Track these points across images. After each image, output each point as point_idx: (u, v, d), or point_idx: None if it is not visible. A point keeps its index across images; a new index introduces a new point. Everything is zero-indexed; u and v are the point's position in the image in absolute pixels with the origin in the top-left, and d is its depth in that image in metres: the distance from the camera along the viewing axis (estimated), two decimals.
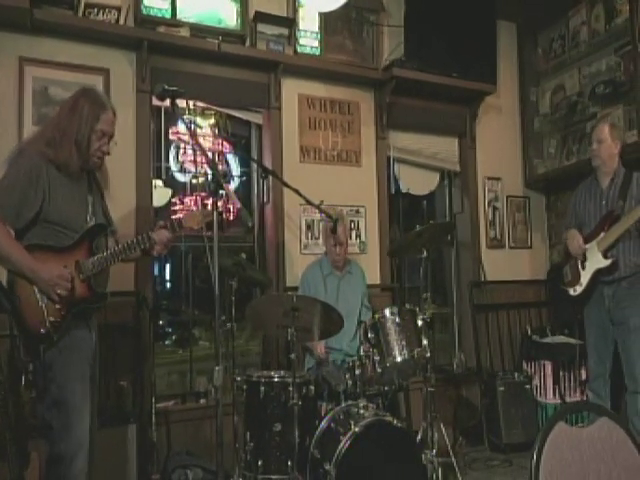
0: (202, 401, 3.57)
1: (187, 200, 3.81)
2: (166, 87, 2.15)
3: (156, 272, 3.84)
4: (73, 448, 2.08)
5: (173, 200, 3.81)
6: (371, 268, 3.99)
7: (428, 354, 2.86)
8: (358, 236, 4.08)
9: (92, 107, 2.22)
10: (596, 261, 3.25)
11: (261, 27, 3.75)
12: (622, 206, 3.21)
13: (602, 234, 3.24)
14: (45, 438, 2.13)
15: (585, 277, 3.31)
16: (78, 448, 2.09)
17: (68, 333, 2.14)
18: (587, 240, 3.31)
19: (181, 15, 3.58)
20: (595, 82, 4.22)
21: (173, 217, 2.55)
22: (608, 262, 3.20)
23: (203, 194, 3.78)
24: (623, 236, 3.18)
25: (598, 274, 3.25)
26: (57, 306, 2.11)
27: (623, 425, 1.44)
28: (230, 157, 4.06)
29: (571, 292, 3.39)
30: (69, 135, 2.18)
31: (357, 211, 4.10)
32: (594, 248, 3.26)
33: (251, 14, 3.78)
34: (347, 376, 2.83)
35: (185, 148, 3.84)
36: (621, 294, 3.22)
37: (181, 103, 3.54)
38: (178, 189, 3.85)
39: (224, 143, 3.99)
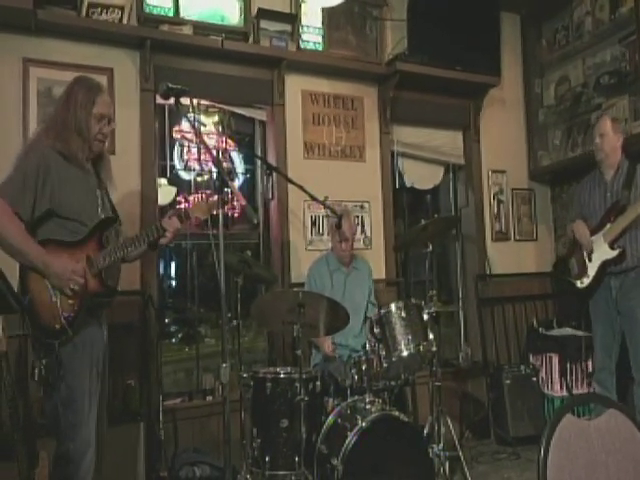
0: (209, 398, 3.58)
1: (192, 198, 3.81)
2: (170, 85, 2.16)
3: (161, 271, 3.85)
4: (82, 448, 2.09)
5: (178, 198, 3.81)
6: (376, 263, 3.99)
7: (434, 348, 2.87)
8: (363, 231, 4.08)
9: (87, 92, 2.23)
10: (603, 252, 3.25)
11: (264, 24, 3.75)
12: (627, 196, 3.21)
13: (608, 225, 3.25)
14: (54, 436, 2.14)
15: (592, 269, 3.30)
16: (86, 448, 2.10)
17: (80, 331, 2.14)
18: (593, 232, 3.31)
19: (184, 13, 3.58)
20: (600, 73, 4.20)
21: (179, 207, 2.53)
22: (615, 253, 3.20)
23: (208, 192, 3.78)
24: (629, 227, 3.18)
25: (605, 265, 3.25)
26: (70, 301, 2.11)
27: (631, 417, 1.43)
28: (234, 154, 4.06)
29: (578, 284, 3.38)
30: (69, 124, 2.19)
31: (362, 206, 4.09)
32: (600, 240, 3.26)
33: (254, 11, 3.78)
34: (353, 371, 2.84)
35: (189, 146, 3.84)
36: (628, 285, 3.22)
37: (185, 101, 3.52)
38: (183, 187, 3.85)
39: (228, 140, 3.99)
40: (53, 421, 2.12)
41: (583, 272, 3.35)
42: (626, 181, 3.25)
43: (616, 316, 3.28)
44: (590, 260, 3.32)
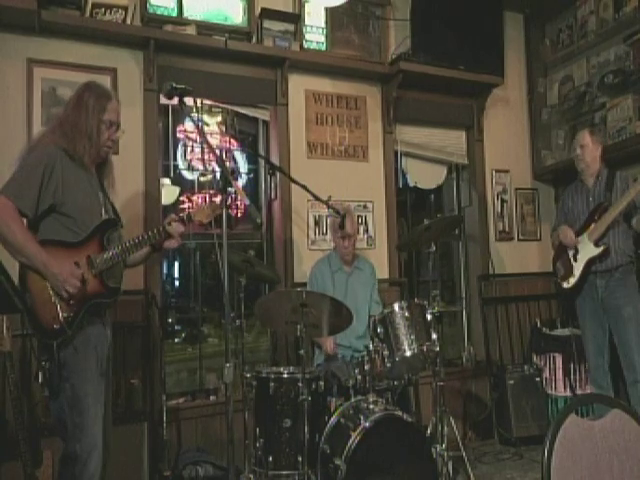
0: (212, 398, 3.58)
1: (195, 198, 3.82)
2: (174, 85, 2.16)
3: (165, 270, 3.86)
4: (88, 448, 2.08)
5: (181, 198, 3.82)
6: (379, 263, 3.99)
7: (437, 348, 2.87)
8: (366, 231, 4.08)
9: (97, 99, 2.24)
10: (588, 251, 3.34)
11: (267, 23, 3.75)
12: (609, 197, 3.33)
13: (592, 225, 3.36)
14: (60, 437, 2.14)
15: (578, 268, 3.40)
16: (93, 448, 2.09)
17: (83, 331, 2.14)
18: (578, 234, 3.42)
19: (187, 13, 3.59)
20: (604, 72, 4.19)
21: (182, 207, 2.52)
22: (600, 249, 3.29)
23: (211, 192, 3.79)
24: (613, 224, 3.28)
25: (590, 264, 3.34)
26: (71, 301, 2.11)
27: (636, 417, 1.43)
28: (238, 154, 4.06)
29: (565, 285, 3.48)
30: (80, 128, 2.19)
31: (365, 206, 4.09)
32: (585, 240, 3.37)
33: (257, 11, 3.78)
34: (356, 371, 2.83)
35: (193, 146, 3.85)
36: (613, 285, 3.30)
37: (188, 101, 3.54)
38: (186, 187, 3.86)
39: (231, 140, 3.99)
40: (59, 422, 2.12)
41: (569, 272, 3.45)
42: (607, 186, 3.37)
43: (603, 315, 3.35)
44: (576, 260, 3.41)
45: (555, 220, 3.80)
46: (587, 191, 3.47)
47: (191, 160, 3.86)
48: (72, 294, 2.10)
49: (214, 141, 3.88)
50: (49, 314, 2.09)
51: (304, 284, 3.54)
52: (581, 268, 3.37)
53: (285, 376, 2.79)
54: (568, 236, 3.43)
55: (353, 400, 2.75)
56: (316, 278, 3.44)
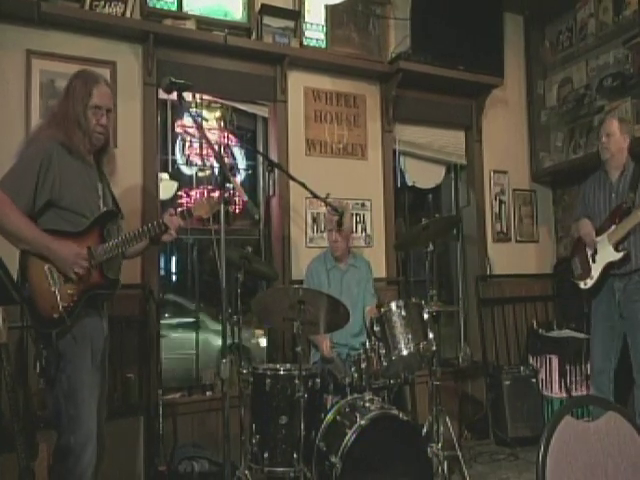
0: (208, 393, 3.58)
1: (193, 193, 3.81)
2: (173, 80, 2.15)
3: (162, 265, 3.84)
4: (82, 440, 2.08)
5: (179, 193, 3.81)
6: (377, 262, 3.99)
7: (434, 347, 2.87)
8: (364, 229, 4.08)
9: (83, 85, 2.24)
10: (607, 254, 3.25)
11: (267, 20, 3.75)
12: (632, 199, 3.22)
13: (613, 227, 3.25)
14: (55, 429, 2.13)
15: (596, 270, 3.31)
16: (87, 441, 2.09)
17: (80, 322, 2.14)
18: (597, 233, 3.31)
19: (187, 8, 3.58)
20: (603, 75, 4.20)
21: (180, 201, 2.51)
22: (620, 255, 3.20)
23: (209, 187, 3.78)
24: (634, 229, 3.18)
25: (609, 267, 3.25)
26: (70, 291, 2.10)
27: (630, 420, 1.43)
28: (236, 150, 4.05)
29: (582, 285, 3.39)
30: (70, 118, 2.19)
31: (363, 204, 4.09)
32: (605, 240, 3.26)
33: (257, 7, 3.77)
34: (353, 369, 2.84)
35: (191, 141, 3.84)
36: (632, 288, 3.22)
37: (187, 96, 3.54)
38: (184, 182, 3.85)
39: (230, 136, 3.98)
40: (54, 414, 2.11)
41: (587, 273, 3.35)
42: (632, 183, 3.25)
43: (618, 319, 3.28)
44: (594, 261, 3.32)
45: (575, 210, 3.66)
46: (610, 186, 3.33)
47: (189, 155, 3.85)
48: (81, 275, 2.09)
49: (213, 136, 3.87)
50: (48, 304, 2.08)
51: (301, 281, 3.54)
52: (600, 270, 3.27)
53: (282, 373, 2.80)
54: (589, 235, 3.31)
55: (349, 398, 2.75)
56: (312, 275, 3.44)
